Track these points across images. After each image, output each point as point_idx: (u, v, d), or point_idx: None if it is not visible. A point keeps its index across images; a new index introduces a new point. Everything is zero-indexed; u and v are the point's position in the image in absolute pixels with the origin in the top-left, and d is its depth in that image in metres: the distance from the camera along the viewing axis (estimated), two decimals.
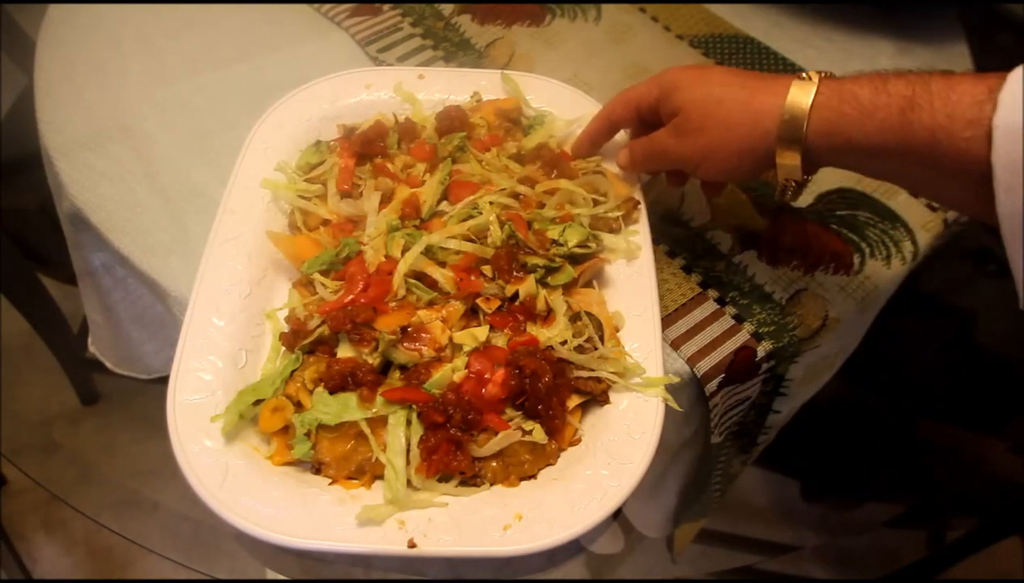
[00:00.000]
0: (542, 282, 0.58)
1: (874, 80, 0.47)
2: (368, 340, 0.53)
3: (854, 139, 0.47)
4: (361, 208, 0.62)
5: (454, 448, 0.50)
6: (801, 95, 0.49)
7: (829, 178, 0.75)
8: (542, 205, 0.63)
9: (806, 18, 0.90)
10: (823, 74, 0.50)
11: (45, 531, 1.39)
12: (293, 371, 0.54)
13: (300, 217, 0.63)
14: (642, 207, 0.64)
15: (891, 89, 0.46)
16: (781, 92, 0.50)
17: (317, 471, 0.52)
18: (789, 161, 0.51)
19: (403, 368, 0.54)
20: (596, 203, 0.64)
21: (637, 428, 0.53)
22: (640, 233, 0.63)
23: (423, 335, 0.54)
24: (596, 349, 0.55)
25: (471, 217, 0.60)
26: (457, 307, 0.56)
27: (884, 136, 0.46)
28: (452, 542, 0.48)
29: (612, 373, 0.54)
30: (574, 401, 0.55)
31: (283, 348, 0.56)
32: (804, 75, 0.50)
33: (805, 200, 0.73)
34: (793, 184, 0.54)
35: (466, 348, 0.54)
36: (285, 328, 0.57)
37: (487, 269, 0.57)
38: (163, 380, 0.53)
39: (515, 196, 0.62)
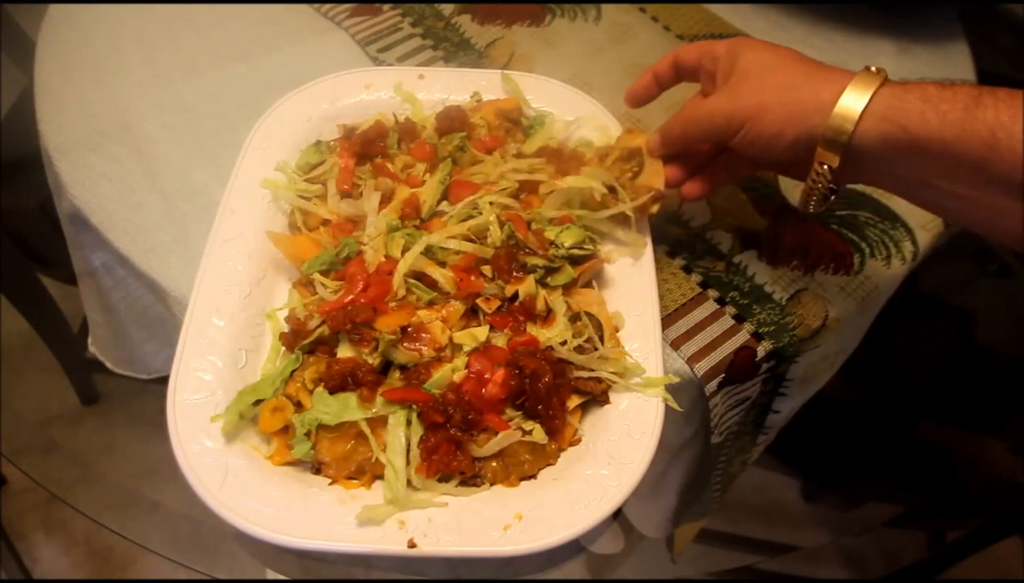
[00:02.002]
0: (542, 282, 0.58)
1: (940, 82, 0.47)
2: (368, 340, 0.53)
3: (911, 129, 0.46)
4: (361, 208, 0.62)
5: (454, 448, 0.50)
6: (869, 78, 0.48)
7: None
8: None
9: (806, 18, 0.90)
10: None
11: (45, 531, 1.39)
12: (293, 371, 0.54)
13: (300, 217, 0.63)
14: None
15: (957, 88, 0.45)
16: (849, 74, 0.50)
17: (317, 471, 0.52)
18: (830, 151, 0.50)
19: (403, 368, 0.54)
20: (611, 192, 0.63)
21: (637, 428, 0.53)
22: (640, 233, 0.63)
23: (423, 335, 0.54)
24: (596, 349, 0.55)
25: (471, 217, 0.60)
26: (457, 307, 0.56)
27: (943, 130, 0.44)
28: (452, 542, 0.48)
29: (612, 373, 0.54)
30: (574, 401, 0.55)
31: (283, 348, 0.56)
32: (872, 69, 0.50)
33: None
34: (820, 187, 0.53)
35: (466, 348, 0.54)
36: (285, 328, 0.57)
37: (487, 269, 0.57)
38: (163, 380, 0.53)
39: (515, 196, 0.62)
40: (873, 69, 0.49)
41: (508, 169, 0.63)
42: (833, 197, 0.54)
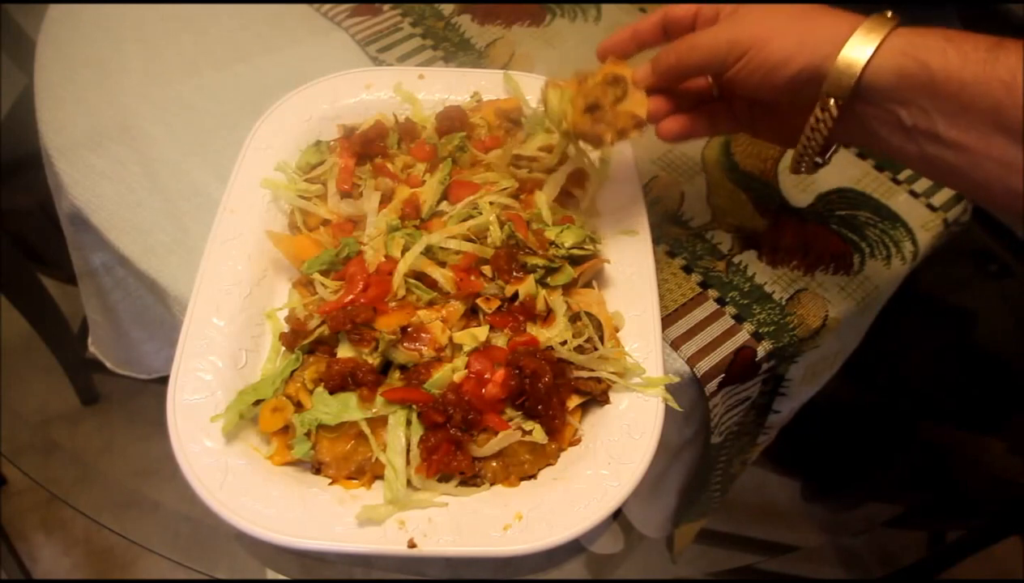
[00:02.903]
0: (542, 282, 0.58)
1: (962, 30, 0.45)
2: (368, 340, 0.53)
3: (931, 66, 0.43)
4: (361, 208, 0.62)
5: (454, 448, 0.50)
6: (885, 19, 0.47)
7: (829, 178, 0.75)
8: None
9: None
10: None
11: (45, 531, 1.39)
12: (293, 371, 0.54)
13: (300, 217, 0.63)
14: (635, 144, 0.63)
15: (980, 35, 0.44)
16: (863, 16, 0.47)
17: (317, 471, 0.52)
18: (840, 84, 0.46)
19: (403, 368, 0.54)
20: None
21: (637, 428, 0.53)
22: (640, 233, 0.63)
23: (423, 335, 0.54)
24: (596, 349, 0.55)
25: (471, 217, 0.60)
26: (457, 307, 0.56)
27: (964, 70, 0.42)
28: (452, 542, 0.48)
29: (612, 373, 0.54)
30: (574, 401, 0.55)
31: (283, 348, 0.56)
32: (888, 13, 0.48)
33: (805, 200, 0.73)
34: (818, 137, 0.50)
35: (466, 348, 0.54)
36: (285, 328, 0.57)
37: (487, 269, 0.57)
38: (163, 380, 0.53)
39: (515, 196, 0.62)
40: (889, 14, 0.47)
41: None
42: (826, 159, 0.51)
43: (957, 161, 0.45)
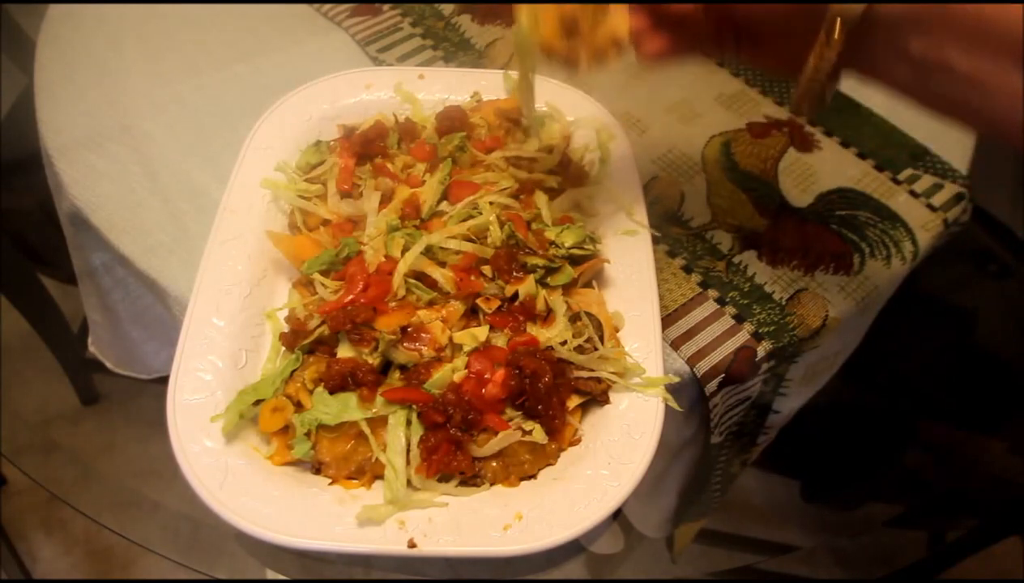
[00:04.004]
0: (542, 282, 0.58)
1: None
2: (368, 340, 0.53)
3: None
4: (361, 208, 0.62)
5: (454, 448, 0.50)
6: None
7: (829, 178, 0.75)
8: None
9: None
10: None
11: (45, 531, 1.39)
12: (293, 371, 0.54)
13: (300, 217, 0.63)
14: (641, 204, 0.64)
15: None
16: None
17: (317, 471, 0.52)
18: (849, 7, 0.43)
19: (403, 368, 0.54)
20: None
21: (637, 428, 0.53)
22: (640, 233, 0.63)
23: (423, 335, 0.54)
24: (596, 349, 0.55)
25: (471, 217, 0.60)
26: (457, 307, 0.56)
27: None
28: (452, 542, 0.48)
29: (612, 373, 0.54)
30: (574, 401, 0.55)
31: (283, 348, 0.56)
32: None
33: (805, 200, 0.73)
34: (824, 67, 0.46)
35: (466, 348, 0.54)
36: (285, 328, 0.57)
37: (487, 269, 0.57)
38: (163, 380, 0.53)
39: (515, 196, 0.62)
40: None
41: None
42: (827, 94, 0.48)
43: (967, 95, 0.43)
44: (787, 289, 0.67)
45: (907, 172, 0.76)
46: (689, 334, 0.63)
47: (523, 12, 0.54)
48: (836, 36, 0.44)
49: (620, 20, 0.52)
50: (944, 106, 0.45)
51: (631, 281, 0.61)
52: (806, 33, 0.45)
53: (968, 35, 0.41)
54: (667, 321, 0.63)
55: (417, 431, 0.51)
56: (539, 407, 0.52)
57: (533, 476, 0.53)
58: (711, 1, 0.50)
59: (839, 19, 0.43)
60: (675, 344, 0.62)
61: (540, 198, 0.62)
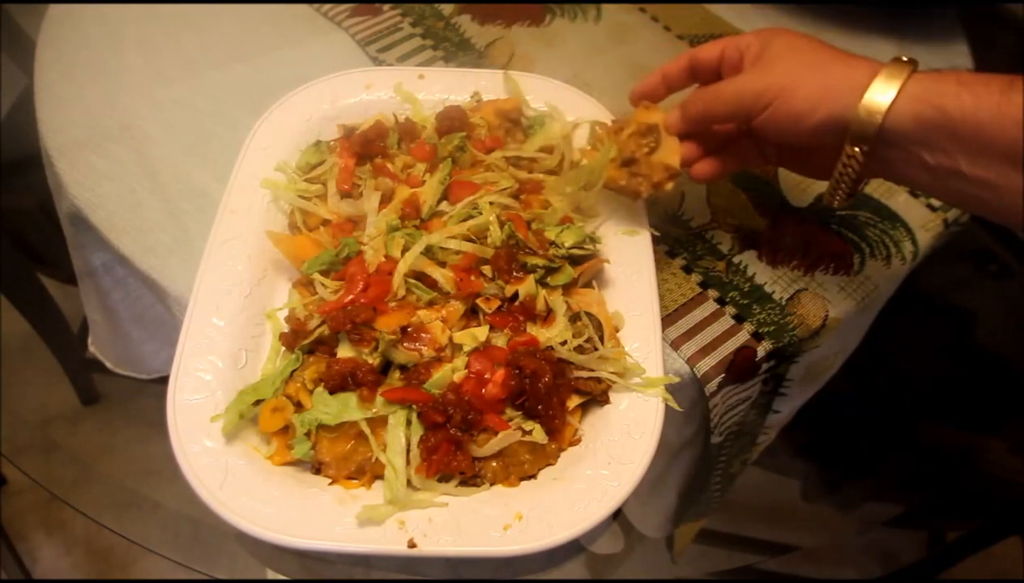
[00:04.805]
0: (542, 282, 0.58)
1: (972, 71, 0.47)
2: (368, 340, 0.53)
3: (948, 110, 0.46)
4: (361, 208, 0.62)
5: (454, 448, 0.50)
6: (902, 65, 0.49)
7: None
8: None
9: (806, 18, 0.90)
10: None
11: (45, 531, 1.39)
12: (293, 371, 0.54)
13: (300, 217, 0.63)
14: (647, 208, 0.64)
15: (991, 76, 0.46)
16: (880, 62, 0.50)
17: (317, 471, 0.52)
18: (863, 131, 0.49)
19: (403, 368, 0.54)
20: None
21: (637, 428, 0.53)
22: (640, 233, 0.63)
23: (423, 335, 0.54)
24: (596, 349, 0.55)
25: (471, 217, 0.60)
26: (457, 307, 0.56)
27: (979, 112, 0.45)
28: (452, 542, 0.48)
29: (612, 373, 0.54)
30: (574, 401, 0.55)
31: (283, 348, 0.56)
32: (904, 58, 0.50)
33: (805, 200, 0.73)
34: (849, 174, 0.52)
35: (466, 348, 0.54)
36: (285, 328, 0.57)
37: (487, 269, 0.57)
38: (163, 380, 0.53)
39: (515, 196, 0.62)
40: (904, 59, 0.49)
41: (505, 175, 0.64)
42: (857, 190, 0.54)
43: (981, 194, 0.48)
44: (787, 289, 0.67)
45: None
46: (689, 334, 0.63)
47: (589, 150, 0.64)
48: (856, 153, 0.50)
49: (672, 150, 0.59)
50: (963, 203, 0.51)
51: (631, 281, 0.61)
52: (832, 150, 0.52)
53: (972, 146, 0.46)
54: (667, 321, 0.63)
55: (417, 431, 0.51)
56: (539, 407, 0.52)
57: (533, 476, 0.53)
58: (741, 123, 0.58)
59: (856, 144, 0.50)
60: (675, 344, 0.62)
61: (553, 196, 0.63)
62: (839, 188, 0.54)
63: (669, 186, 0.60)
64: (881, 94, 0.48)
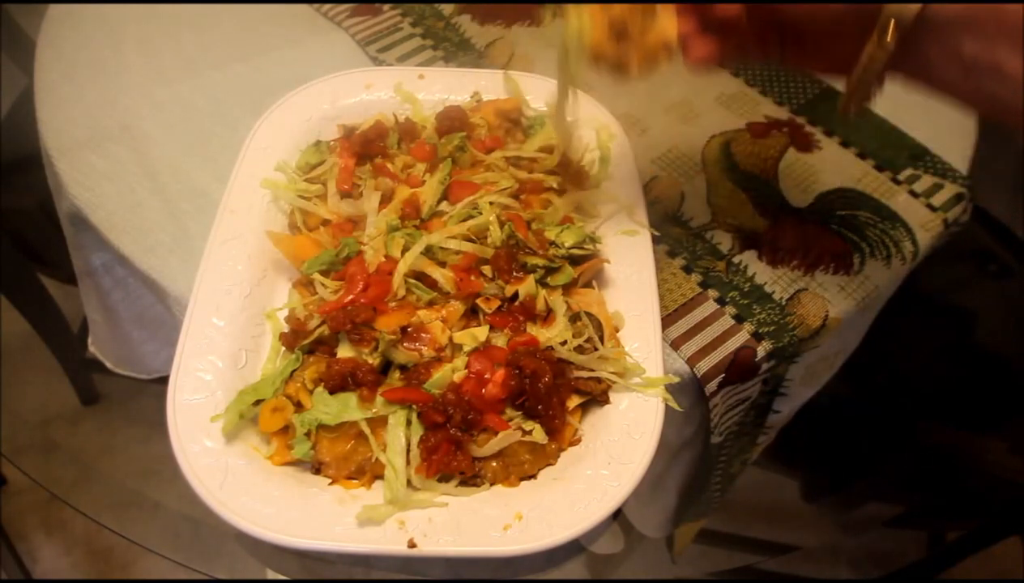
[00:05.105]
0: (542, 282, 0.58)
1: None
2: (368, 340, 0.53)
3: None
4: (361, 208, 0.62)
5: (454, 448, 0.50)
6: None
7: (829, 178, 0.75)
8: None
9: None
10: None
11: (45, 531, 1.39)
12: (293, 371, 0.54)
13: (300, 217, 0.63)
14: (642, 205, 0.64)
15: None
16: None
17: (317, 471, 0.52)
18: (902, 9, 0.42)
19: (403, 368, 0.54)
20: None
21: (637, 428, 0.53)
22: (640, 233, 0.63)
23: (423, 335, 0.54)
24: (596, 349, 0.55)
25: (471, 217, 0.60)
26: (457, 307, 0.56)
27: None
28: (452, 542, 0.48)
29: (612, 373, 0.54)
30: (574, 401, 0.55)
31: (283, 348, 0.56)
32: None
33: (805, 200, 0.73)
34: (876, 67, 0.46)
35: (466, 348, 0.54)
36: (285, 328, 0.57)
37: (487, 269, 0.57)
38: (163, 380, 0.53)
39: (515, 196, 0.62)
40: None
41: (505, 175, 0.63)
42: (876, 94, 0.48)
43: (1015, 96, 0.43)
44: (787, 289, 0.67)
45: (907, 172, 0.76)
46: (689, 334, 0.63)
47: (572, 14, 0.54)
48: (889, 37, 0.44)
49: (668, 23, 0.52)
50: (993, 108, 0.45)
51: (631, 281, 0.61)
52: (854, 34, 0.45)
53: (1020, 36, 0.41)
54: (667, 321, 0.63)
55: (417, 431, 0.51)
56: (539, 407, 0.52)
57: (533, 476, 0.53)
58: (758, 1, 0.50)
59: (893, 20, 0.43)
60: (675, 344, 0.62)
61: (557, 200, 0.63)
62: (861, 85, 0.47)
63: (663, 60, 0.52)
64: None
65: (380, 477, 0.51)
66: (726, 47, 0.53)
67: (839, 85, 0.51)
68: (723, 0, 0.50)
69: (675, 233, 0.70)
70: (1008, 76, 0.42)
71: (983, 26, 0.42)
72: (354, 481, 0.51)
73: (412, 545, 0.48)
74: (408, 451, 0.50)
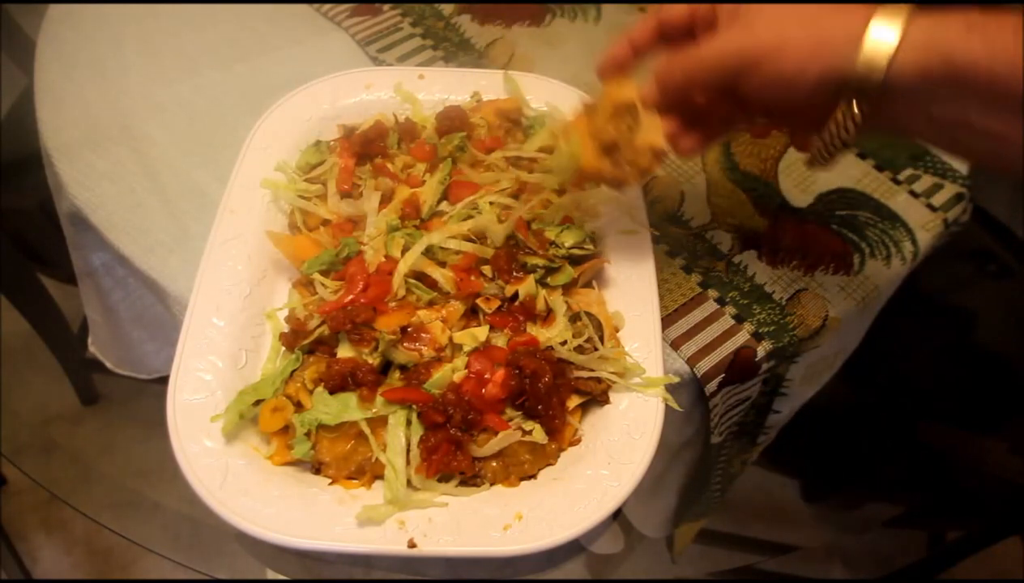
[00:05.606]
0: (542, 282, 0.58)
1: (981, 6, 0.42)
2: (368, 340, 0.53)
3: (956, 60, 0.41)
4: (361, 208, 0.62)
5: (454, 448, 0.50)
6: (897, 8, 0.43)
7: (829, 178, 0.75)
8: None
9: None
10: None
11: (45, 531, 1.39)
12: (293, 371, 0.54)
13: (300, 217, 0.63)
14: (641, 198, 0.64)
15: (1003, 13, 0.41)
16: (873, 6, 0.44)
17: (317, 471, 0.52)
18: (863, 89, 0.44)
19: (403, 368, 0.54)
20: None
21: (637, 428, 0.53)
22: (640, 233, 0.63)
23: (423, 335, 0.54)
24: (596, 349, 0.55)
25: (471, 217, 0.60)
26: (457, 307, 0.56)
27: (993, 60, 0.40)
28: (452, 542, 0.48)
29: (612, 373, 0.54)
30: (574, 401, 0.55)
31: (283, 348, 0.56)
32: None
33: (805, 200, 0.73)
34: (843, 135, 0.47)
35: (466, 348, 0.54)
36: (285, 328, 0.57)
37: (487, 269, 0.57)
38: (163, 380, 0.53)
39: (515, 196, 0.62)
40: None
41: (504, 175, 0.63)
42: (845, 149, 0.49)
43: (990, 146, 0.44)
44: (787, 289, 0.67)
45: (907, 172, 0.76)
46: (689, 334, 0.63)
47: (561, 141, 0.57)
48: (857, 111, 0.45)
49: (654, 128, 0.53)
50: (969, 155, 0.47)
51: (631, 281, 0.61)
52: (823, 108, 0.46)
53: (984, 98, 0.42)
54: (667, 321, 0.63)
55: (417, 431, 0.51)
56: (539, 407, 0.52)
57: (533, 476, 0.53)
58: (725, 97, 0.51)
59: (856, 99, 0.44)
60: (675, 344, 0.62)
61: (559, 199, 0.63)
62: (830, 149, 0.48)
63: (656, 168, 0.55)
64: (880, 46, 0.42)
65: (380, 477, 0.51)
66: (713, 132, 0.55)
67: None
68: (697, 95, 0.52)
69: (675, 233, 0.70)
70: (978, 130, 0.43)
71: (946, 94, 0.43)
72: (354, 481, 0.51)
73: (412, 545, 0.48)
74: (408, 451, 0.50)
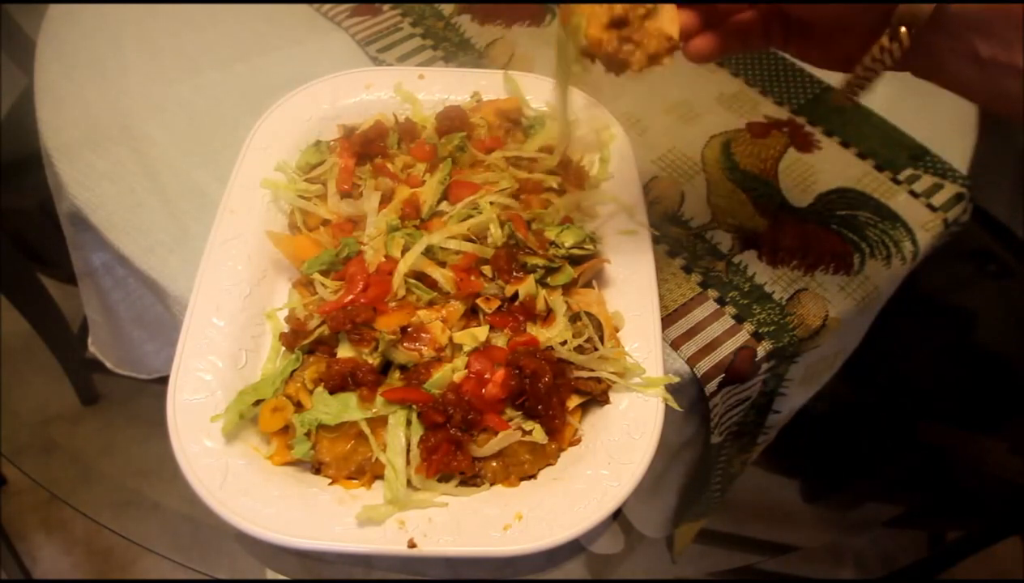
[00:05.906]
0: (542, 282, 0.58)
1: None
2: (368, 340, 0.53)
3: None
4: (361, 208, 0.62)
5: (454, 448, 0.50)
6: None
7: (829, 178, 0.75)
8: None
9: None
10: None
11: (45, 531, 1.39)
12: (293, 371, 0.54)
13: (300, 217, 0.63)
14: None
15: None
16: None
17: (317, 471, 0.52)
18: (915, 9, 0.41)
19: (403, 368, 0.54)
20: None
21: (637, 428, 0.53)
22: (640, 233, 0.63)
23: (423, 335, 0.54)
24: (596, 349, 0.55)
25: (471, 217, 0.60)
26: (457, 307, 0.56)
27: None
28: (452, 542, 0.48)
29: (612, 373, 0.54)
30: (574, 401, 0.55)
31: (283, 348, 0.56)
32: None
33: (805, 200, 0.73)
34: (886, 60, 0.44)
35: (466, 348, 0.54)
36: (285, 328, 0.57)
37: (487, 269, 0.57)
38: (163, 380, 0.53)
39: (515, 196, 0.62)
40: None
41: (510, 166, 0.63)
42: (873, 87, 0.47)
43: None
44: (787, 289, 0.67)
45: (907, 172, 0.76)
46: (689, 334, 0.63)
47: (572, 9, 0.51)
48: (902, 36, 0.43)
49: (670, 19, 0.50)
50: (1009, 107, 0.44)
51: (631, 281, 0.61)
52: (863, 32, 0.44)
53: None
54: (667, 321, 0.63)
55: (417, 431, 0.51)
56: (539, 407, 0.52)
57: (533, 476, 0.53)
58: (766, 1, 0.49)
59: (905, 21, 0.42)
60: (675, 344, 0.62)
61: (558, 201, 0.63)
62: (863, 81, 0.46)
63: (665, 60, 0.50)
64: None
65: (380, 477, 0.51)
66: (729, 42, 0.52)
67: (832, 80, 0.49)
68: (729, 0, 0.50)
69: (675, 233, 0.70)
70: None
71: (1000, 27, 0.41)
72: (354, 481, 0.51)
73: (412, 545, 0.48)
74: (408, 451, 0.50)
